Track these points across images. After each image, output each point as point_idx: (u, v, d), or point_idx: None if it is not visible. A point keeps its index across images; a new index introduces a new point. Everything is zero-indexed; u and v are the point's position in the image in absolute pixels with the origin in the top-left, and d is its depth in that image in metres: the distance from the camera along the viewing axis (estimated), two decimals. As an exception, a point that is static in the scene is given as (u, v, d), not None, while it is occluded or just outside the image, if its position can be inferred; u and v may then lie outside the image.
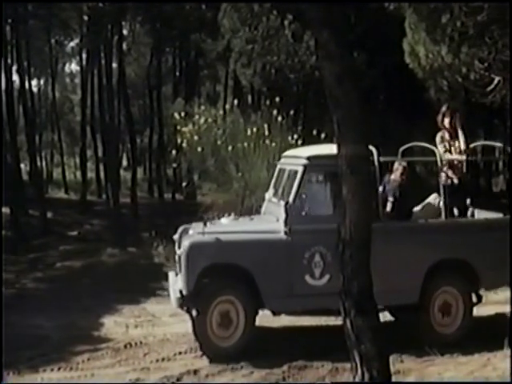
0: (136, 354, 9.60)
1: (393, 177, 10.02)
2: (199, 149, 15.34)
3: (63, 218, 26.61)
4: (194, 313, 9.02)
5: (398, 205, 9.75)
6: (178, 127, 16.02)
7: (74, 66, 44.27)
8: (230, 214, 10.48)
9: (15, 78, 30.11)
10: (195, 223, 10.07)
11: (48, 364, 9.26)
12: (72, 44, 40.61)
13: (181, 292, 9.10)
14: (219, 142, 15.49)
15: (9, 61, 27.61)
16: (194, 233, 9.47)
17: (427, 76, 13.62)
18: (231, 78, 29.86)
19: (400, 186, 9.89)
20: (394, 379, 6.13)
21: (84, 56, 36.48)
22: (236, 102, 16.84)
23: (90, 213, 28.24)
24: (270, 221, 9.79)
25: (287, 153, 11.14)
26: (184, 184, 25.60)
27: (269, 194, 10.73)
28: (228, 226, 9.88)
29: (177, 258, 9.86)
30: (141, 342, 10.14)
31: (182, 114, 16.09)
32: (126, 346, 9.97)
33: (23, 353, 9.78)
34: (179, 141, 15.81)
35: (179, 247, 9.67)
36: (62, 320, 11.81)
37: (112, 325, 11.70)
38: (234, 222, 10.19)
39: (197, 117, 15.83)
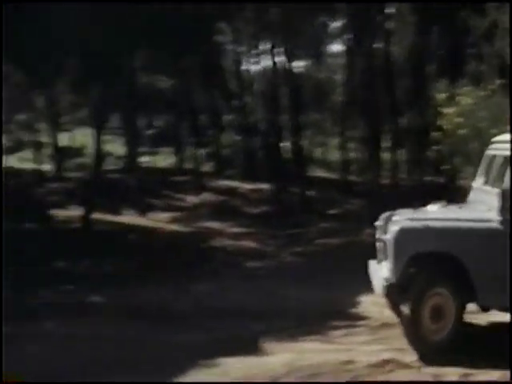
0: (393, 335, 9.62)
1: None
2: (461, 131, 15.01)
3: (323, 196, 27.22)
4: (407, 305, 8.72)
5: None
6: (441, 108, 15.77)
7: (337, 47, 44.41)
8: (437, 201, 10.07)
9: (278, 59, 31.26)
10: (400, 209, 9.81)
11: (306, 334, 9.63)
12: (336, 24, 41.05)
13: (387, 280, 8.79)
14: (482, 125, 15.01)
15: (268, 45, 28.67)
16: (401, 219, 9.11)
17: None
18: (496, 57, 28.73)
19: None
20: None
21: (348, 36, 36.85)
22: (501, 82, 16.20)
23: (350, 192, 28.63)
24: (481, 209, 9.20)
25: (499, 137, 10.20)
26: (444, 167, 25.11)
27: (477, 182, 10.22)
28: (436, 213, 9.43)
29: (378, 244, 9.72)
30: (398, 323, 10.23)
31: (445, 95, 15.81)
32: (382, 326, 10.09)
33: (283, 322, 10.23)
34: (441, 122, 15.56)
35: (384, 233, 9.41)
36: (319, 294, 12.21)
37: (369, 303, 11.81)
38: (443, 209, 9.71)
39: (460, 98, 15.48)
